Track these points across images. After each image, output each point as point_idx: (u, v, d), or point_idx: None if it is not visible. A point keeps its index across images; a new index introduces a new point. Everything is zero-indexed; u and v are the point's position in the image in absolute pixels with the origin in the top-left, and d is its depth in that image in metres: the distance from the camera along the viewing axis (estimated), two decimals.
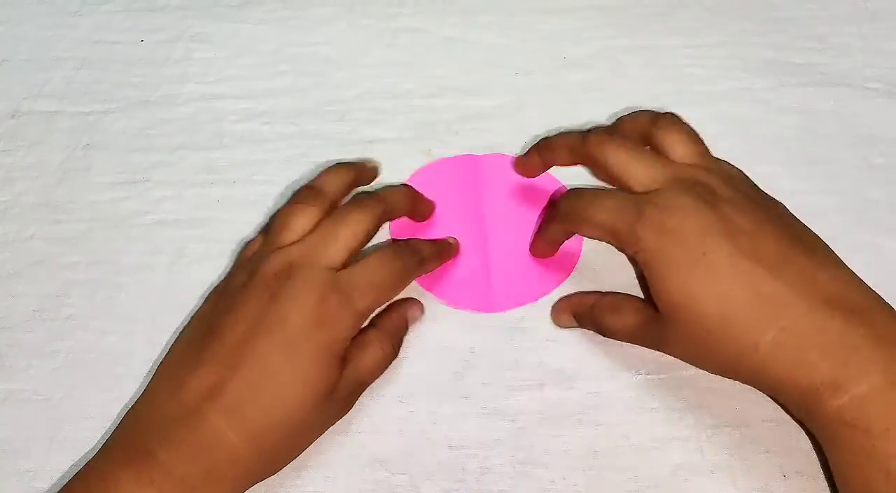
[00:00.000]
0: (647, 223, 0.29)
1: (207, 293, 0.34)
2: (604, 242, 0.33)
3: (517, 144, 0.42)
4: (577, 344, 0.35)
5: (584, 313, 0.34)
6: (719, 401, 0.33)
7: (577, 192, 0.33)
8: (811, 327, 0.27)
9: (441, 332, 0.35)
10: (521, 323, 0.35)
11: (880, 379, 0.26)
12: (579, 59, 0.46)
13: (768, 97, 0.43)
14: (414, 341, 0.35)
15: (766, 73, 0.44)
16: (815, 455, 0.31)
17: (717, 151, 0.41)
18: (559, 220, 0.34)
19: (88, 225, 0.40)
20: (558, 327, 0.35)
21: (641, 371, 0.34)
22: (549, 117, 0.43)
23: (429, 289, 0.36)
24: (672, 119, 0.34)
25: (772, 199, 0.33)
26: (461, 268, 0.37)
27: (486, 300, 0.36)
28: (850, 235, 0.37)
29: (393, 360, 0.33)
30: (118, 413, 0.33)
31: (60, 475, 0.32)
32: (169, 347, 0.31)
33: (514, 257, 0.37)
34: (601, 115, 0.43)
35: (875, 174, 0.40)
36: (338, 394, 0.30)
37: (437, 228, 0.38)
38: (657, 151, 0.33)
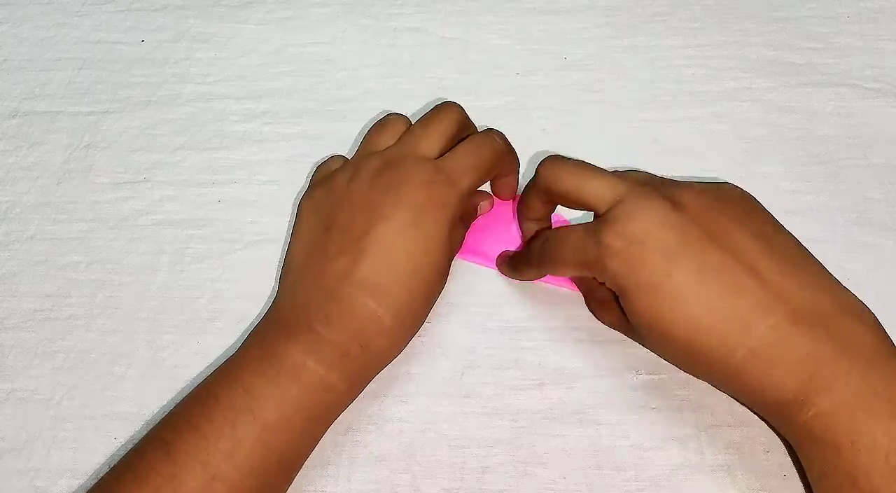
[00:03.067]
0: (609, 250, 0.28)
1: (298, 204, 0.35)
2: None
3: (517, 144, 0.42)
4: (578, 344, 0.35)
5: (582, 291, 0.36)
6: (719, 401, 0.33)
7: (543, 233, 0.33)
8: (777, 345, 0.27)
9: (442, 332, 0.35)
10: (522, 323, 0.35)
11: (845, 392, 0.26)
12: (579, 59, 0.46)
13: (768, 97, 0.43)
14: (415, 341, 0.35)
15: (766, 73, 0.44)
16: None
17: (717, 151, 0.41)
18: (532, 262, 0.33)
19: (89, 225, 0.40)
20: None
21: (642, 371, 0.34)
22: (549, 118, 0.43)
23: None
24: None
25: (733, 189, 0.31)
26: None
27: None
28: (850, 236, 0.38)
29: (464, 232, 0.37)
30: (119, 413, 0.33)
31: (61, 474, 0.32)
32: (287, 247, 0.34)
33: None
34: (601, 115, 0.43)
35: (875, 174, 0.40)
36: None
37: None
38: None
